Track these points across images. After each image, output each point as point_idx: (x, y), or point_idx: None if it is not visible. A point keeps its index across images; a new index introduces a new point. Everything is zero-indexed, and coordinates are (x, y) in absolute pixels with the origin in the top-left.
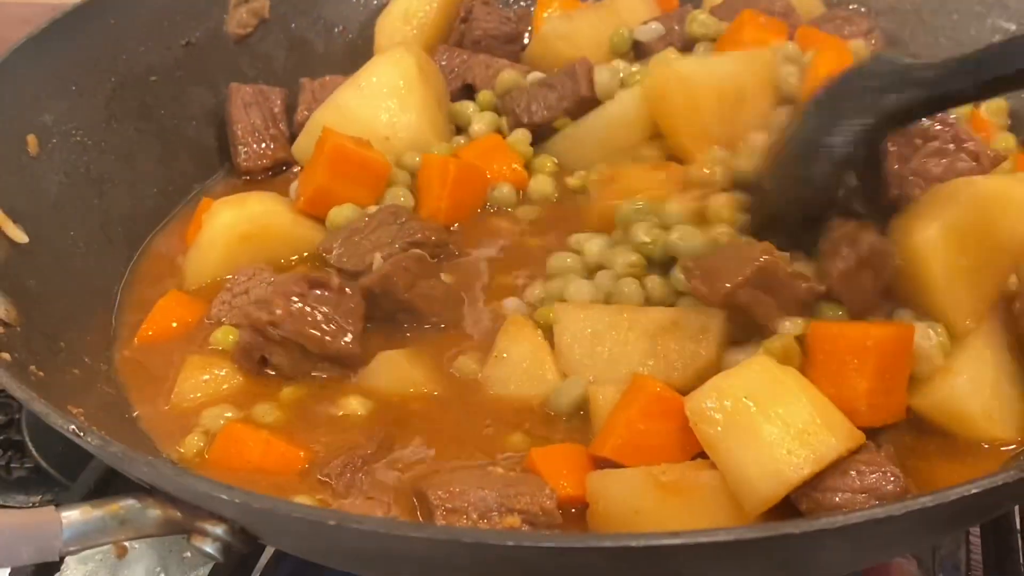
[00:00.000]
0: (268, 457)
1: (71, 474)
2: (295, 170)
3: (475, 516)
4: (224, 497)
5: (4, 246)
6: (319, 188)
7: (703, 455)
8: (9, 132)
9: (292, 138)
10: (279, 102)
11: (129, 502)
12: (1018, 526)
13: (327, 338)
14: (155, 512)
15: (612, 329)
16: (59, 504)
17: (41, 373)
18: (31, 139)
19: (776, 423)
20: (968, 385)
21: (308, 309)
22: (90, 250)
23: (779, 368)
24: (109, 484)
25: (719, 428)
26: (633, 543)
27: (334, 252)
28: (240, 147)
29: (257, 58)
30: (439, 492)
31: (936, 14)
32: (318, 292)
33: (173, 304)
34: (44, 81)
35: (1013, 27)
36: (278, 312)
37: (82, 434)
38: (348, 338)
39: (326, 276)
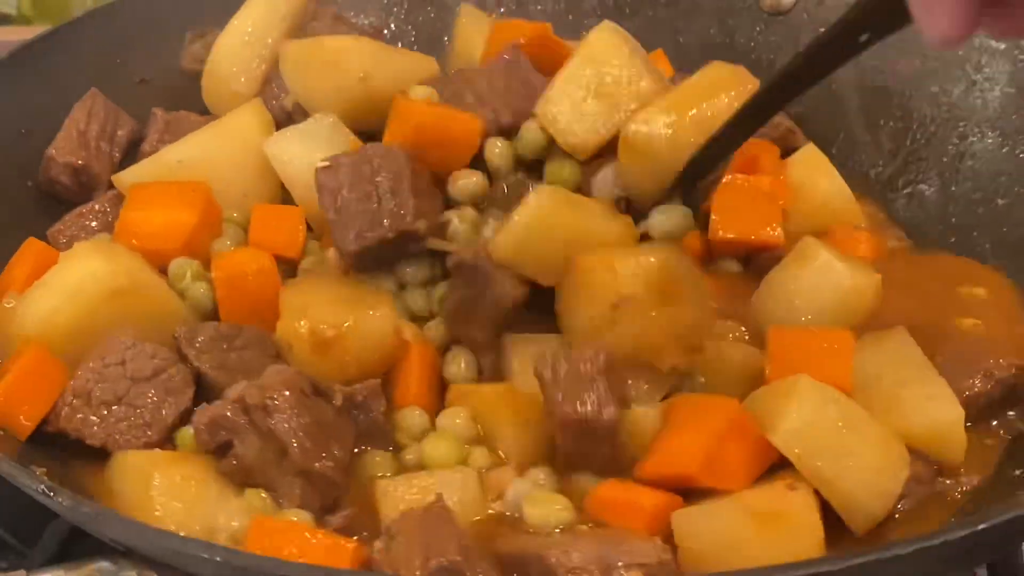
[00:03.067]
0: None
1: (27, 539)
2: (95, 204)
3: (598, 574)
4: (205, 556)
5: None
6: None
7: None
8: None
9: (117, 168)
10: (127, 130)
11: (103, 564)
12: None
13: (320, 453)
14: (131, 574)
15: None
16: (29, 570)
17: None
18: None
19: (875, 444)
20: None
21: (307, 414)
22: None
23: (835, 391)
24: (71, 548)
25: (823, 459)
26: None
27: (196, 346)
28: (58, 138)
29: None
30: (556, 552)
31: None
32: (322, 403)
33: (39, 365)
34: None
35: None
36: (279, 401)
37: (52, 494)
38: (331, 464)
39: (331, 391)
